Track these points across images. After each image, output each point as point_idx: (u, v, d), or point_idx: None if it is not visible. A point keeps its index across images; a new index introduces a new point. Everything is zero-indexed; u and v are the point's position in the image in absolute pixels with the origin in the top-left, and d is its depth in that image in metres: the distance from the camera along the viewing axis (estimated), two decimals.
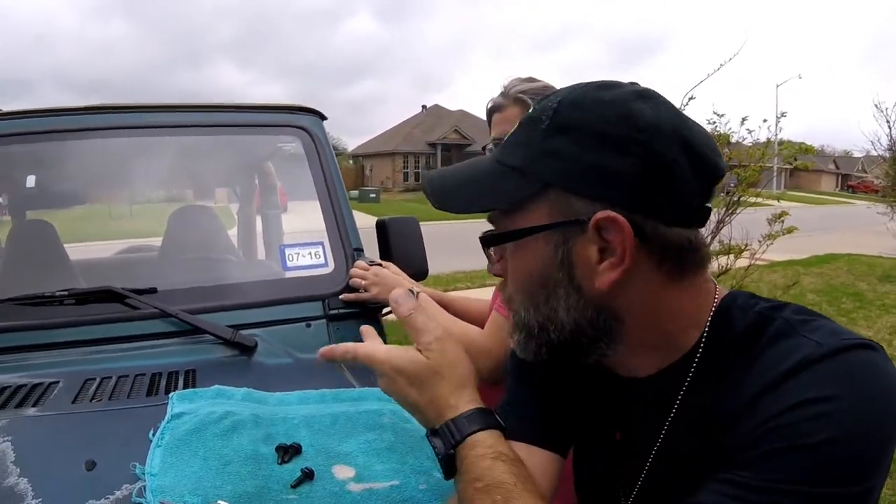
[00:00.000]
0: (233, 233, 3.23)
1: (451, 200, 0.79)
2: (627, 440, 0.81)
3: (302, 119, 1.97)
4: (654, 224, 0.69)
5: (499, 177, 0.76)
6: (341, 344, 0.94)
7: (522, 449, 0.84)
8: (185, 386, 1.32)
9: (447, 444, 0.78)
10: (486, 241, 0.80)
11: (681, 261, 0.72)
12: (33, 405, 1.23)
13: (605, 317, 0.73)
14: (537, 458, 0.86)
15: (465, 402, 0.81)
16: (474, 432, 0.78)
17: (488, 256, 0.84)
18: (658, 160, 0.67)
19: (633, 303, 0.73)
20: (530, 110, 0.76)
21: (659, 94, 0.74)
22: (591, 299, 0.73)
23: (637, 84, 0.75)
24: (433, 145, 45.55)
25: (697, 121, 0.76)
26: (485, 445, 0.76)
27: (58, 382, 1.33)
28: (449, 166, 0.88)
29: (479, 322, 1.55)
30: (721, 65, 4.94)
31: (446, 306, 1.67)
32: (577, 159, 0.69)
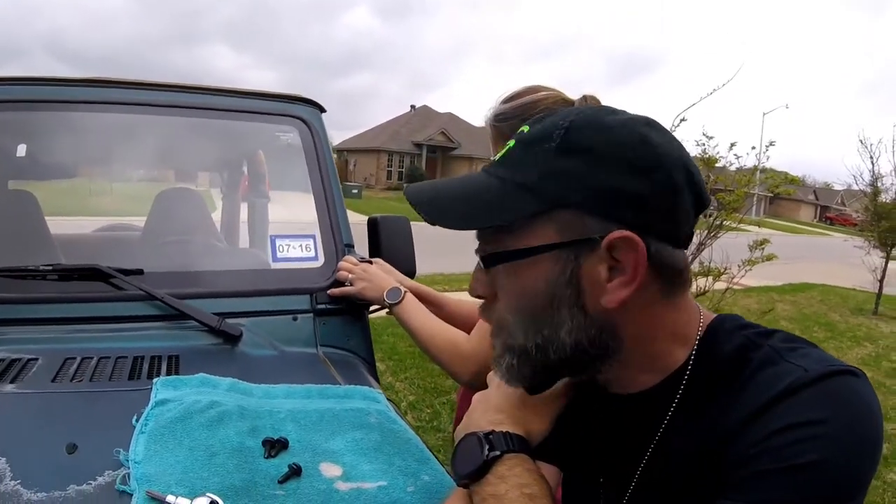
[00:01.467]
0: (215, 217, 3.19)
1: (448, 216, 0.75)
2: (614, 456, 0.82)
3: (302, 110, 1.95)
4: (658, 245, 0.71)
5: (502, 194, 0.74)
6: None
7: None
8: (168, 371, 1.29)
9: (500, 447, 0.79)
10: (491, 259, 0.77)
11: (676, 280, 0.75)
12: (11, 381, 1.19)
13: (607, 335, 0.74)
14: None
15: (525, 429, 0.84)
16: (525, 450, 0.80)
17: (476, 277, 0.81)
18: (670, 186, 0.70)
19: (633, 321, 0.74)
20: (531, 129, 0.76)
21: (659, 123, 0.76)
22: (596, 318, 0.73)
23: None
24: (419, 146, 45.57)
25: (687, 142, 0.79)
26: (531, 462, 0.79)
27: (37, 359, 1.30)
28: (437, 180, 0.85)
29: (470, 323, 1.55)
30: (714, 89, 4.98)
31: (438, 306, 1.66)
32: (593, 179, 0.70)
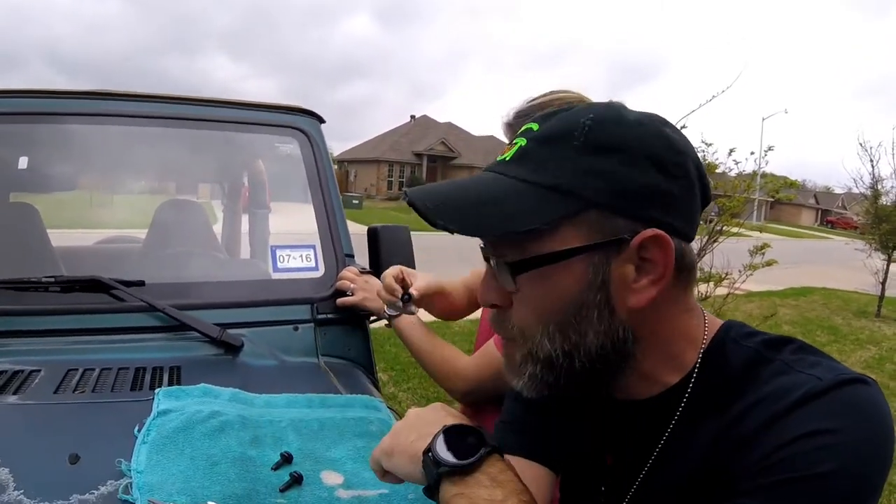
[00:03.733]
0: (216, 229, 3.20)
1: (469, 221, 0.69)
2: (618, 463, 0.81)
3: (301, 121, 1.96)
4: (680, 242, 0.71)
5: (526, 196, 0.69)
6: None
7: (520, 462, 0.84)
8: (170, 382, 1.30)
9: (474, 450, 0.69)
10: (520, 265, 0.71)
11: (690, 279, 0.75)
12: (14, 393, 1.20)
13: (630, 338, 0.73)
14: (533, 473, 0.86)
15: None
16: (499, 449, 0.71)
17: (488, 285, 0.76)
18: (692, 184, 0.72)
19: (656, 321, 0.74)
20: (545, 126, 0.73)
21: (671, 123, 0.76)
22: (623, 320, 0.71)
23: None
24: (419, 156, 45.68)
25: None
26: (508, 462, 0.71)
27: (39, 371, 1.30)
28: (439, 183, 0.78)
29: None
30: (714, 96, 4.99)
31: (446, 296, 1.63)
32: (625, 179, 0.68)
